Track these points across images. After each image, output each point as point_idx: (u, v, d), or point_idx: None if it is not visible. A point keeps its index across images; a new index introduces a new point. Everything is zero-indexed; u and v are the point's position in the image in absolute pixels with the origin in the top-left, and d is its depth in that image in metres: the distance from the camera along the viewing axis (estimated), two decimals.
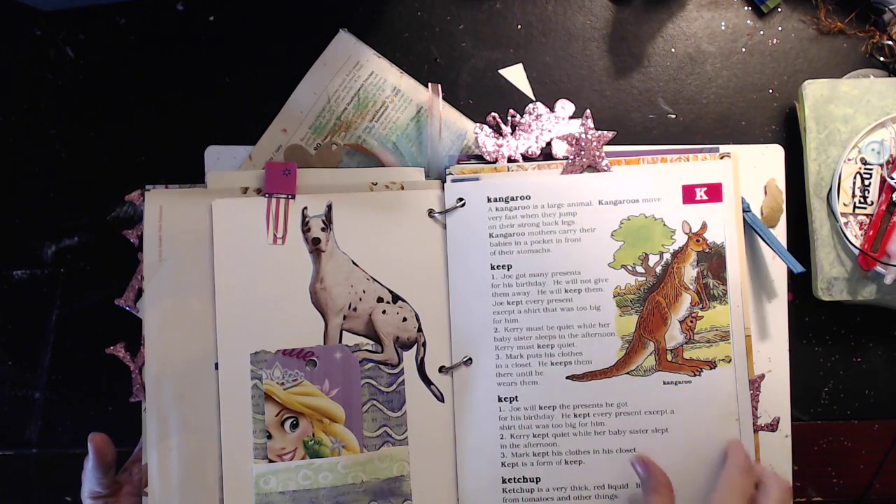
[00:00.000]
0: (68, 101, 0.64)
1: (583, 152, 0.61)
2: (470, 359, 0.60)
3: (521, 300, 0.60)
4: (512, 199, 0.61)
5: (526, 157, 0.62)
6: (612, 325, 0.60)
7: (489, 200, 0.61)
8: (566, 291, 0.60)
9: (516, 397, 0.60)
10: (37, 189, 0.64)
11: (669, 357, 0.60)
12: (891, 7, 0.63)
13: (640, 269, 0.60)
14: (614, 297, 0.60)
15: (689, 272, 0.60)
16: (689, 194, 0.60)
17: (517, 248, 0.61)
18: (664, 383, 0.60)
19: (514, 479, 0.59)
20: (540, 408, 0.60)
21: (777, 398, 0.62)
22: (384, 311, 0.60)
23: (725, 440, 0.59)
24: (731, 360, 0.59)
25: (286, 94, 0.63)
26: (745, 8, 0.66)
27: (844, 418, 0.64)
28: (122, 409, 0.61)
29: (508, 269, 0.60)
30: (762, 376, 0.60)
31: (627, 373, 0.60)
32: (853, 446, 0.64)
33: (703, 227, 0.60)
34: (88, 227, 0.64)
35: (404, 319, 0.60)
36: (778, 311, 0.63)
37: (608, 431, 0.59)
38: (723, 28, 0.66)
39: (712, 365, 0.59)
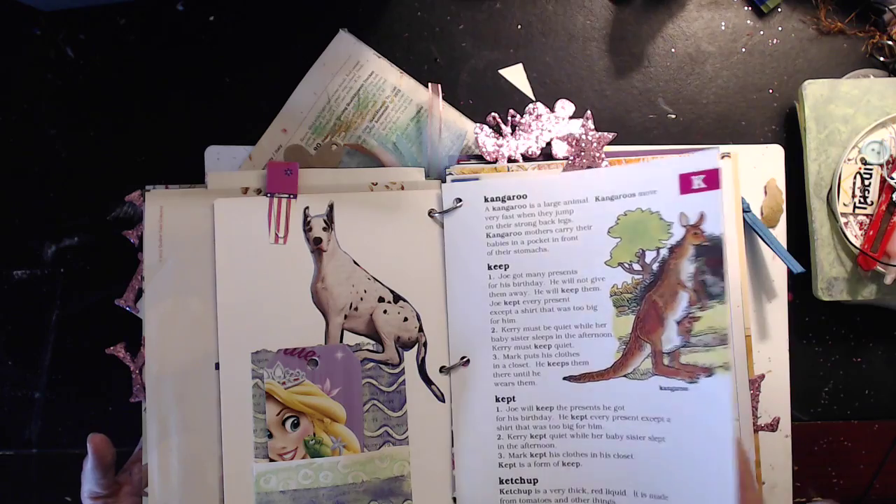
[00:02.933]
0: (68, 101, 0.64)
1: (583, 153, 0.61)
2: (468, 359, 0.60)
3: (519, 300, 0.60)
4: (509, 198, 0.60)
5: (526, 158, 0.62)
6: (609, 326, 0.58)
7: (486, 200, 0.60)
8: (563, 291, 0.59)
9: (514, 397, 0.59)
10: (37, 189, 0.64)
11: (666, 361, 0.57)
12: (891, 7, 0.63)
13: (636, 267, 0.58)
14: (611, 296, 0.58)
15: (687, 268, 0.56)
16: (685, 183, 0.57)
17: (514, 248, 0.60)
18: (661, 388, 0.57)
19: (512, 479, 0.59)
20: (538, 408, 0.59)
21: (777, 398, 0.62)
22: (385, 311, 0.60)
23: (717, 458, 0.53)
24: (729, 368, 0.54)
25: (286, 94, 0.63)
26: (745, 8, 0.66)
27: (844, 418, 0.64)
28: (122, 409, 0.61)
29: (506, 269, 0.60)
30: (762, 376, 0.60)
31: (625, 375, 0.58)
32: (853, 446, 0.64)
33: (702, 217, 0.56)
34: (88, 227, 0.64)
35: (405, 319, 0.60)
36: (778, 311, 0.63)
37: (605, 435, 0.58)
38: (723, 28, 0.66)
39: (709, 372, 0.55)
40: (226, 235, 0.59)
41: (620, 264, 0.58)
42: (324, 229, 0.60)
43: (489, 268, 0.60)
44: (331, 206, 0.60)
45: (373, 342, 0.60)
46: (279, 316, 0.59)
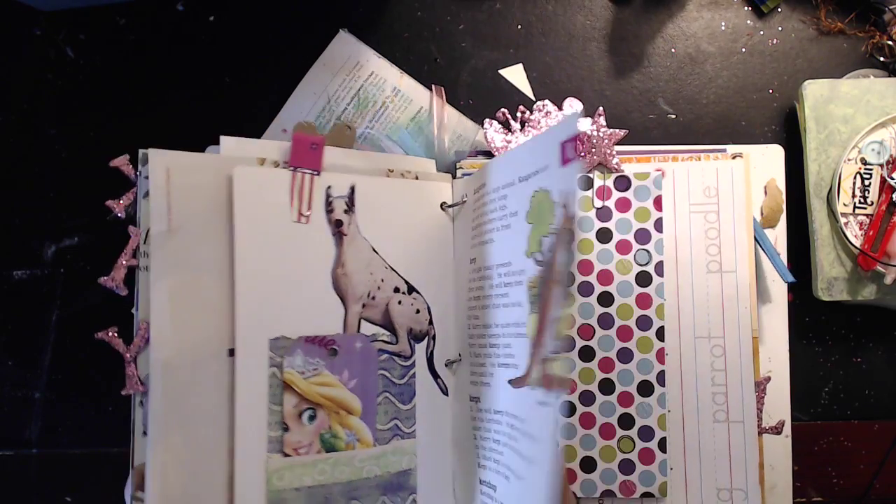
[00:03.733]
0: (68, 101, 0.64)
1: (593, 149, 0.60)
2: (460, 355, 0.59)
3: (479, 295, 0.56)
4: (480, 187, 0.57)
5: None
6: (526, 324, 0.51)
7: (474, 192, 0.58)
8: (504, 286, 0.53)
9: (479, 398, 0.56)
10: (37, 189, 0.64)
11: (540, 369, 0.48)
12: (891, 7, 0.64)
13: (539, 258, 0.50)
14: (528, 290, 0.50)
15: (561, 258, 0.47)
16: (564, 154, 0.47)
17: (479, 240, 0.56)
18: (538, 403, 0.47)
19: (483, 482, 0.55)
20: (494, 412, 0.54)
21: (777, 398, 0.62)
22: (400, 302, 0.58)
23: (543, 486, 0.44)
24: (566, 385, 0.47)
25: (286, 94, 0.63)
26: (745, 8, 0.66)
27: (844, 418, 0.64)
28: (122, 409, 0.61)
29: (474, 263, 0.57)
30: (768, 379, 0.60)
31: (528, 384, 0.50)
32: (853, 446, 0.64)
33: (567, 195, 0.47)
34: (88, 227, 0.64)
35: (417, 311, 0.59)
36: (778, 311, 0.63)
37: (519, 452, 0.50)
38: (723, 28, 0.66)
39: (561, 384, 0.46)
40: (246, 208, 0.54)
41: (532, 255, 0.50)
42: (345, 212, 0.57)
43: (470, 262, 0.58)
44: (352, 189, 0.57)
45: (388, 333, 0.58)
46: (298, 300, 0.55)
